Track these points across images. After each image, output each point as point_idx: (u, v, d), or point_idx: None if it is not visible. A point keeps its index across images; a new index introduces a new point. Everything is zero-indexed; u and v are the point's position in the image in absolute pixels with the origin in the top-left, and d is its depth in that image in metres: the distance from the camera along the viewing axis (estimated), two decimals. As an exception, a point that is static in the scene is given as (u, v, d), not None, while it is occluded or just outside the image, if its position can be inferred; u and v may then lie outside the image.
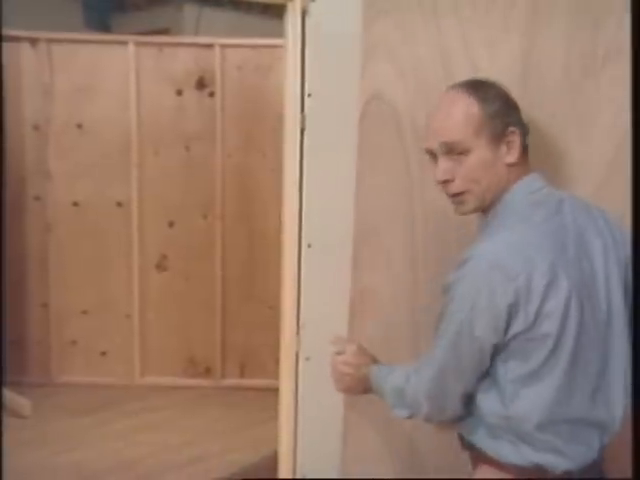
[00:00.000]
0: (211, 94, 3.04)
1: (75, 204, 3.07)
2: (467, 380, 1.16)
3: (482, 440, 1.18)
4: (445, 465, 1.55)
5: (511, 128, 1.18)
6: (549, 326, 1.10)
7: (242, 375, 3.12)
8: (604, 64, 1.51)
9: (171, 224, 3.11)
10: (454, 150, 1.18)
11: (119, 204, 3.08)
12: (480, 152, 1.17)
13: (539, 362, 1.12)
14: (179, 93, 3.05)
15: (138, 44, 3.02)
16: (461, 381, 1.16)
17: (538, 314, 1.10)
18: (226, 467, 2.40)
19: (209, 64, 3.01)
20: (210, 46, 3.01)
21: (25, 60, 2.98)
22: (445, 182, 1.21)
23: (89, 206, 3.07)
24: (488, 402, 1.16)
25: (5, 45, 2.92)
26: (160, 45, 3.05)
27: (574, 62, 1.50)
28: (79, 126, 3.03)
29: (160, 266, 3.12)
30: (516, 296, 1.09)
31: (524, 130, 1.21)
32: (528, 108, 1.41)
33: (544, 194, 1.20)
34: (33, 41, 2.97)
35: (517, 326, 1.10)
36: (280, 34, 1.61)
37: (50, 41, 2.98)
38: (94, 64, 3.00)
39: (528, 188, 1.20)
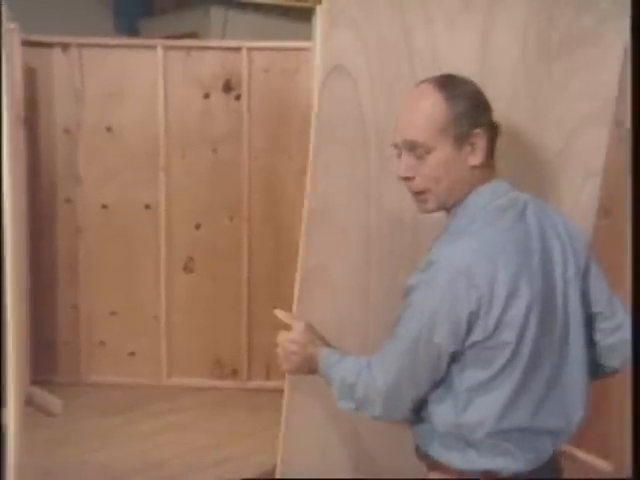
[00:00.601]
0: (238, 97, 3.05)
1: (104, 207, 3.12)
2: (422, 385, 1.15)
3: (435, 450, 1.17)
4: (393, 449, 1.52)
5: (476, 130, 1.15)
6: (508, 335, 1.09)
7: (268, 377, 3.14)
8: (559, 53, 1.49)
9: (198, 226, 3.14)
10: (417, 148, 1.16)
11: (147, 206, 3.11)
12: (443, 152, 1.15)
13: (495, 371, 1.11)
14: (206, 96, 3.07)
15: (166, 48, 3.05)
16: (415, 386, 1.15)
17: (498, 323, 1.09)
18: (252, 469, 2.40)
19: (236, 67, 3.03)
20: (237, 49, 3.02)
21: (57, 65, 3.03)
22: (407, 179, 1.19)
23: (118, 209, 3.11)
24: (441, 410, 1.15)
25: (37, 50, 2.98)
26: (188, 49, 3.07)
27: (531, 46, 1.48)
28: (108, 130, 3.08)
29: (187, 268, 3.15)
30: (478, 304, 1.08)
31: (492, 132, 1.17)
32: (485, 89, 1.37)
33: (509, 199, 1.18)
34: (65, 46, 3.02)
35: (476, 335, 1.09)
36: (303, 36, 1.61)
37: (81, 46, 3.03)
38: (123, 68, 3.04)
39: (493, 192, 1.17)
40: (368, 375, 1.17)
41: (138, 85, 3.05)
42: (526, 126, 1.51)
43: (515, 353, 1.11)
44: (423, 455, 1.20)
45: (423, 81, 1.20)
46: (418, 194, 1.20)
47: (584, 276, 1.21)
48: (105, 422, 2.76)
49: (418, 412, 1.19)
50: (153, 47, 3.05)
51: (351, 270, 1.50)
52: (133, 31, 4.35)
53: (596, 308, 1.24)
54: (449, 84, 1.17)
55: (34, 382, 2.88)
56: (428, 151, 1.16)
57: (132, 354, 3.17)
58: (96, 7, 4.20)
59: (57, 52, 3.03)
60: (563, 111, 1.51)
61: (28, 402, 2.72)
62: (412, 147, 1.17)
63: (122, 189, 3.09)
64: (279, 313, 1.39)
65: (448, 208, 1.20)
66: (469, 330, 1.10)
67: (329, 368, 1.24)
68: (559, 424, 1.17)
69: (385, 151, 1.42)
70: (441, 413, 1.15)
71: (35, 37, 2.93)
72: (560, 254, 1.17)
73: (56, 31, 3.05)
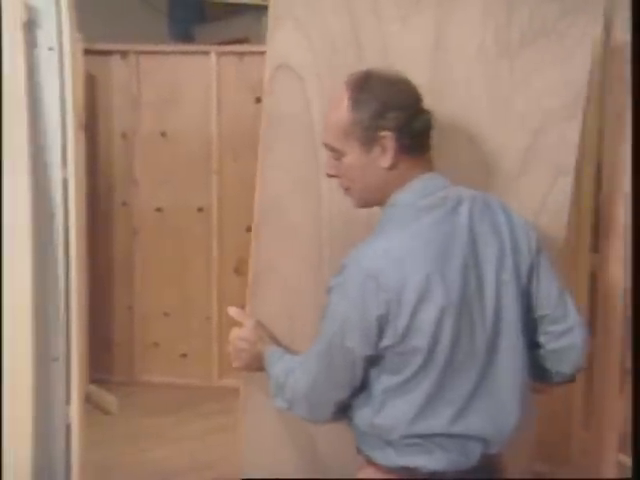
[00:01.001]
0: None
1: (158, 210, 3.18)
2: (341, 388, 1.16)
3: (363, 447, 1.18)
4: (345, 449, 1.45)
5: (383, 133, 1.12)
6: (419, 341, 1.08)
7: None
8: (520, 47, 1.43)
9: (249, 229, 3.14)
10: (333, 151, 1.19)
11: (200, 209, 3.16)
12: (353, 155, 1.16)
13: (408, 376, 1.10)
14: (258, 100, 3.10)
15: (219, 54, 3.10)
16: (334, 389, 1.16)
17: (408, 328, 1.07)
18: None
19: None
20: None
21: (115, 72, 3.12)
22: (333, 176, 1.22)
23: (171, 211, 3.17)
24: (360, 411, 1.16)
25: (97, 58, 3.08)
26: (240, 54, 3.12)
27: (489, 42, 1.43)
28: (163, 134, 3.14)
29: (238, 270, 3.18)
30: (387, 308, 1.07)
31: (404, 132, 1.13)
32: (439, 86, 1.38)
33: (438, 197, 1.14)
34: (123, 54, 3.11)
35: (387, 339, 1.09)
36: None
37: (138, 53, 3.11)
38: (178, 74, 3.11)
39: (422, 189, 1.15)
40: (294, 376, 1.20)
41: (192, 90, 3.11)
42: (487, 123, 1.45)
43: (428, 359, 1.09)
44: (359, 451, 1.21)
45: (344, 82, 1.19)
46: (345, 190, 1.22)
47: (529, 277, 1.17)
48: (157, 421, 2.82)
49: (347, 411, 1.19)
50: (207, 53, 3.11)
51: (302, 269, 1.48)
52: (187, 37, 4.44)
53: (543, 310, 1.19)
54: (359, 86, 1.16)
55: (91, 381, 2.97)
56: (340, 153, 1.17)
57: (184, 355, 3.22)
58: (151, 15, 4.31)
59: (116, 59, 3.12)
60: (527, 108, 1.45)
61: (86, 400, 2.79)
62: (330, 149, 1.19)
63: (176, 192, 3.15)
64: (232, 311, 1.40)
65: (381, 205, 1.19)
66: (380, 334, 1.09)
67: (269, 366, 1.26)
68: (487, 431, 1.13)
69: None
70: (360, 414, 1.16)
71: (95, 45, 3.03)
72: (495, 255, 1.13)
73: (113, 39, 3.14)
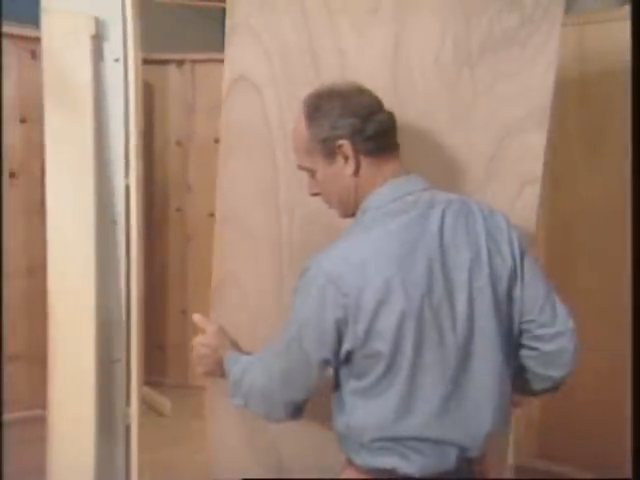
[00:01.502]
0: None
1: (211, 215, 3.21)
2: (296, 390, 1.16)
3: (341, 445, 1.19)
4: (309, 453, 1.51)
5: (340, 141, 1.14)
6: (380, 345, 1.07)
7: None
8: (480, 56, 1.43)
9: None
10: (306, 170, 1.22)
11: (252, 216, 3.20)
12: (321, 170, 1.19)
13: (374, 379, 1.10)
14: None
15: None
16: (289, 389, 1.16)
17: (368, 332, 1.07)
18: None
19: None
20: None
21: (171, 80, 3.20)
22: (316, 194, 1.25)
23: (225, 217, 3.21)
24: (337, 413, 1.17)
25: (154, 67, 3.15)
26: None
27: (448, 52, 1.43)
28: (216, 141, 3.18)
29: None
30: (345, 312, 1.07)
31: (360, 137, 1.14)
32: (399, 97, 1.39)
33: (408, 201, 1.14)
34: (179, 62, 3.18)
35: (348, 343, 1.09)
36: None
37: (194, 62, 3.17)
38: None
39: (387, 195, 1.15)
40: (251, 374, 1.21)
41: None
42: (449, 133, 1.44)
43: (392, 363, 1.08)
44: (347, 457, 1.21)
45: (303, 100, 1.22)
46: (328, 205, 1.25)
47: (511, 282, 1.14)
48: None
49: (303, 411, 1.20)
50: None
51: (263, 275, 1.50)
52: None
53: (530, 315, 1.17)
54: (313, 103, 1.19)
55: (145, 383, 3.03)
56: (312, 172, 1.21)
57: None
58: (206, 24, 4.39)
59: (172, 68, 3.19)
60: (490, 117, 1.44)
61: (141, 402, 2.85)
62: (304, 170, 1.23)
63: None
64: (195, 317, 1.42)
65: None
66: (339, 338, 1.09)
67: (228, 368, 1.28)
68: (461, 437, 1.12)
69: (293, 160, 1.39)
70: (337, 416, 1.17)
71: (152, 55, 3.10)
72: (468, 261, 1.11)
73: (169, 48, 3.21)
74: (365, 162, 1.16)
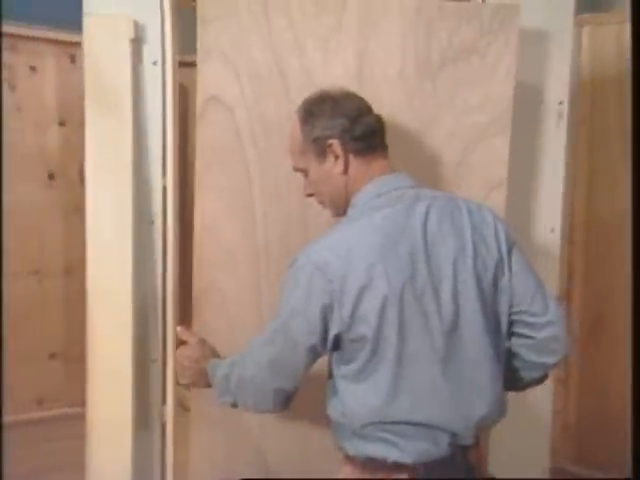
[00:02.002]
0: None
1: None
2: (285, 378, 1.19)
3: (338, 439, 1.22)
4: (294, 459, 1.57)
5: (330, 141, 1.21)
6: (365, 329, 1.12)
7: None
8: (441, 66, 1.51)
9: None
10: (300, 171, 1.29)
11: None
12: (313, 169, 1.25)
13: (361, 363, 1.14)
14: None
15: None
16: (278, 378, 1.19)
17: (353, 316, 1.12)
18: None
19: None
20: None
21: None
22: (311, 195, 1.31)
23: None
24: (331, 401, 1.21)
25: (188, 69, 3.16)
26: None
27: (410, 65, 1.51)
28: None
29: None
30: (330, 298, 1.12)
31: (349, 136, 1.21)
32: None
33: (392, 197, 1.19)
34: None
35: (334, 327, 1.13)
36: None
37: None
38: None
39: (372, 191, 1.21)
40: (240, 366, 1.24)
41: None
42: (415, 143, 1.52)
43: (376, 347, 1.12)
44: (339, 447, 1.24)
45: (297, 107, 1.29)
46: (321, 204, 1.31)
47: (497, 273, 1.19)
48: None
49: (290, 402, 1.23)
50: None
51: (242, 286, 1.56)
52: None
53: (521, 305, 1.22)
54: (306, 107, 1.26)
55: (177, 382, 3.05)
56: (306, 172, 1.27)
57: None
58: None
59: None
60: (454, 125, 1.53)
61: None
62: (299, 171, 1.29)
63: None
64: (178, 329, 1.46)
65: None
66: (325, 323, 1.13)
67: (212, 373, 1.30)
68: (452, 422, 1.15)
69: (266, 173, 1.52)
70: (331, 404, 1.21)
71: (186, 57, 3.13)
72: (453, 254, 1.16)
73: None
74: (354, 161, 1.22)
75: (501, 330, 1.22)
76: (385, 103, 1.50)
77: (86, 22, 1.53)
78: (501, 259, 1.20)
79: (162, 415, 1.68)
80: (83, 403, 1.63)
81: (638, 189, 1.28)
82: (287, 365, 1.19)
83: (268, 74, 1.51)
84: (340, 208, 1.27)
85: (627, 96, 1.31)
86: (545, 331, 1.23)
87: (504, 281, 1.20)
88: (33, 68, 2.15)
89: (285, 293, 1.18)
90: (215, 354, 1.40)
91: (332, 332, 1.14)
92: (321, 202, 1.31)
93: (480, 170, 1.55)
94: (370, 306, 1.11)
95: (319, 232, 1.42)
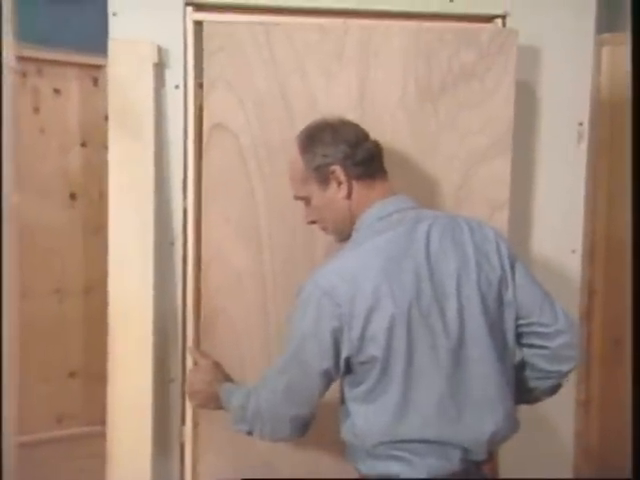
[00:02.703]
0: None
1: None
2: (300, 405, 1.21)
3: (349, 457, 1.24)
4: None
5: (332, 167, 1.24)
6: (374, 349, 1.13)
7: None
8: (442, 90, 1.54)
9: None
10: (302, 199, 1.31)
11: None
12: (316, 197, 1.28)
13: (371, 384, 1.16)
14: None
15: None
16: (293, 405, 1.20)
17: (362, 338, 1.13)
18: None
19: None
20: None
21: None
22: (313, 222, 1.33)
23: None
24: (343, 422, 1.22)
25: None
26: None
27: (411, 89, 1.54)
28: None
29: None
30: (340, 321, 1.13)
31: (351, 162, 1.24)
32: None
33: (394, 219, 1.21)
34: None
35: (345, 351, 1.15)
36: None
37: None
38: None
39: (374, 214, 1.23)
40: (255, 396, 1.25)
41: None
42: (417, 166, 1.55)
43: (386, 367, 1.14)
44: (354, 468, 1.25)
45: (296, 136, 1.32)
46: (324, 231, 1.34)
47: (501, 288, 1.21)
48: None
49: (306, 429, 1.24)
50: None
51: (249, 310, 1.59)
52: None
53: (530, 317, 1.24)
54: (304, 137, 1.29)
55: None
56: (307, 200, 1.30)
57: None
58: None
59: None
60: (455, 147, 1.55)
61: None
62: (300, 199, 1.32)
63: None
64: (190, 351, 1.50)
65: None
66: (337, 346, 1.15)
67: (227, 400, 1.32)
68: (463, 439, 1.16)
69: (272, 197, 1.55)
70: (344, 426, 1.22)
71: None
72: (456, 271, 1.17)
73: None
74: (356, 185, 1.25)
75: (508, 345, 1.23)
76: (387, 127, 1.54)
77: (111, 47, 1.56)
78: (504, 274, 1.22)
79: (181, 435, 1.68)
80: (102, 422, 1.64)
81: (638, 191, 1.29)
82: (302, 392, 1.20)
83: (272, 101, 1.55)
84: (344, 233, 1.29)
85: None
86: (558, 339, 1.25)
87: (508, 296, 1.22)
88: (57, 91, 2.20)
89: (295, 321, 1.20)
90: (228, 378, 1.43)
91: (343, 355, 1.16)
92: (324, 228, 1.33)
93: (482, 192, 1.57)
94: (378, 327, 1.13)
95: (325, 255, 1.51)
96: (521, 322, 1.24)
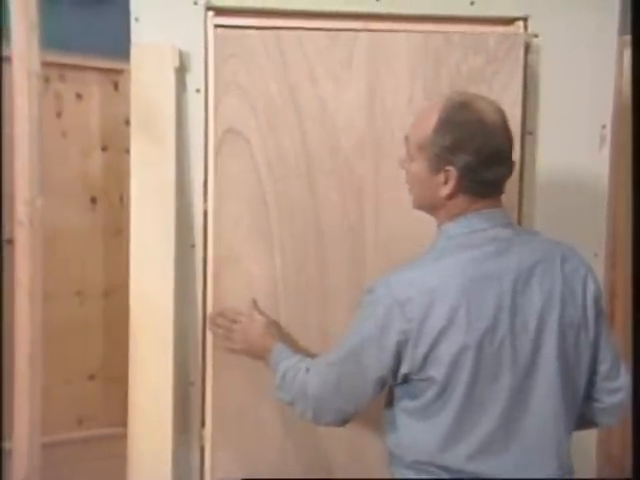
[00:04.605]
0: None
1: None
2: (348, 401, 1.18)
3: (390, 463, 1.22)
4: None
5: (448, 167, 1.14)
6: (435, 372, 1.09)
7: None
8: None
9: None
10: (408, 149, 1.22)
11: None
12: (417, 167, 1.19)
13: (425, 402, 1.12)
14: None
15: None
16: (339, 398, 1.18)
17: (426, 358, 1.09)
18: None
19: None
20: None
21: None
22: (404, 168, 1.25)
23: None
24: (388, 430, 1.20)
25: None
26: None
27: (418, 94, 1.56)
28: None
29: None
30: (406, 336, 1.09)
31: (470, 176, 1.13)
32: (377, 138, 1.56)
33: (486, 236, 1.14)
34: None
35: (405, 366, 1.11)
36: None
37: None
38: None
39: (466, 227, 1.15)
40: (304, 378, 1.23)
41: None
42: None
43: (443, 391, 1.10)
44: (390, 471, 1.24)
45: (451, 94, 1.22)
46: (409, 189, 1.26)
47: (580, 328, 1.15)
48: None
49: (350, 419, 1.22)
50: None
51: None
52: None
53: (601, 365, 1.21)
54: (450, 113, 1.15)
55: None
56: (411, 157, 1.21)
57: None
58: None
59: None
60: None
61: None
62: (407, 146, 1.23)
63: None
64: (252, 303, 1.53)
65: (433, 214, 1.22)
66: (398, 359, 1.11)
67: (277, 360, 1.33)
68: (510, 475, 1.11)
69: (283, 202, 1.57)
70: (388, 434, 1.21)
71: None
72: (541, 303, 1.11)
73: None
74: (462, 196, 1.17)
75: (578, 393, 1.17)
76: (396, 131, 1.54)
77: (133, 51, 1.57)
78: (585, 316, 1.16)
79: (201, 438, 1.68)
80: (122, 423, 1.65)
81: (638, 192, 1.31)
82: (353, 390, 1.19)
83: (283, 105, 1.57)
84: (423, 209, 1.23)
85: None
86: (615, 396, 1.22)
87: (587, 341, 1.16)
88: (79, 95, 2.22)
89: (360, 319, 1.17)
90: (282, 337, 1.46)
91: (402, 370, 1.13)
92: (409, 189, 1.25)
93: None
94: (446, 351, 1.08)
95: (336, 260, 1.54)
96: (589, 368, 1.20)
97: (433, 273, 1.12)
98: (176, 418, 1.63)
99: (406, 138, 1.24)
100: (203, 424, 1.68)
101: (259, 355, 1.43)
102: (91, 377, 2.32)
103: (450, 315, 1.07)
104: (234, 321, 1.53)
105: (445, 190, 1.16)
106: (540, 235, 1.24)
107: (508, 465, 1.12)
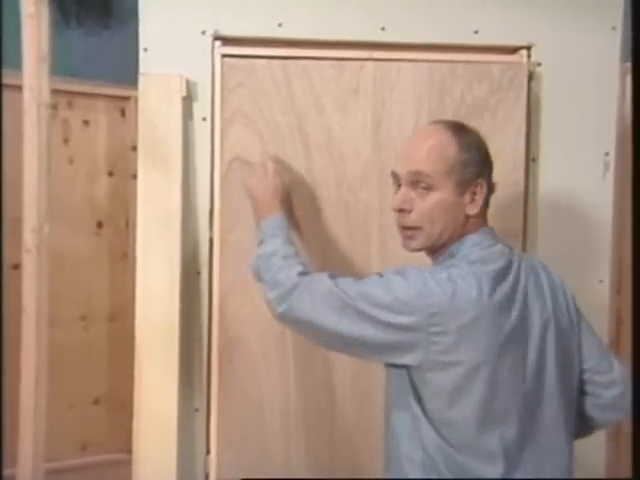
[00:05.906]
0: None
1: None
2: (327, 322, 1.11)
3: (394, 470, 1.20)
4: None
5: (479, 180, 1.16)
6: (454, 375, 1.09)
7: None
8: None
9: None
10: (420, 182, 1.16)
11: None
12: (444, 193, 1.15)
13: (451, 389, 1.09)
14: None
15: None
16: (320, 319, 1.12)
17: (448, 351, 1.08)
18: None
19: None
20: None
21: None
22: (401, 211, 1.18)
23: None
24: (408, 437, 1.16)
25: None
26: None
27: (423, 121, 1.55)
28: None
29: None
30: (428, 322, 1.07)
31: (490, 187, 1.20)
32: (382, 165, 1.57)
33: (495, 251, 1.17)
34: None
35: (415, 355, 1.08)
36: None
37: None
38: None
39: (477, 242, 1.17)
40: (296, 280, 1.18)
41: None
42: None
43: (456, 399, 1.10)
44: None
45: (435, 121, 1.24)
46: (407, 229, 1.19)
47: (569, 335, 1.20)
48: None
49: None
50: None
51: (267, 338, 1.61)
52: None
53: (588, 363, 1.24)
54: (461, 130, 1.19)
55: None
56: (430, 188, 1.15)
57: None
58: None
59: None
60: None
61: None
62: (415, 180, 1.16)
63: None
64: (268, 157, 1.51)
65: (433, 252, 1.20)
66: (404, 346, 1.08)
67: (272, 234, 1.31)
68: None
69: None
70: (408, 442, 1.16)
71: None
72: (540, 315, 1.15)
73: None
74: (481, 211, 1.20)
75: (573, 394, 1.21)
76: None
77: (141, 81, 1.59)
78: (572, 322, 1.22)
79: (206, 464, 1.67)
80: (126, 449, 1.64)
81: (638, 194, 1.32)
82: (337, 326, 1.11)
83: (289, 134, 1.58)
84: (436, 245, 1.18)
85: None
86: (613, 389, 1.24)
87: (575, 344, 1.22)
88: (86, 122, 2.25)
89: (395, 279, 1.11)
90: (289, 210, 1.47)
91: (406, 361, 1.10)
92: (416, 227, 1.18)
93: (495, 221, 1.54)
94: (464, 355, 1.08)
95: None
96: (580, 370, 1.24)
97: (455, 279, 1.10)
98: (181, 444, 1.62)
99: (412, 173, 1.17)
100: (208, 451, 1.67)
101: (257, 211, 1.42)
102: (95, 402, 2.32)
103: (472, 325, 1.07)
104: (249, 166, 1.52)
105: (474, 207, 1.17)
106: (518, 250, 1.29)
107: (520, 470, 1.13)
